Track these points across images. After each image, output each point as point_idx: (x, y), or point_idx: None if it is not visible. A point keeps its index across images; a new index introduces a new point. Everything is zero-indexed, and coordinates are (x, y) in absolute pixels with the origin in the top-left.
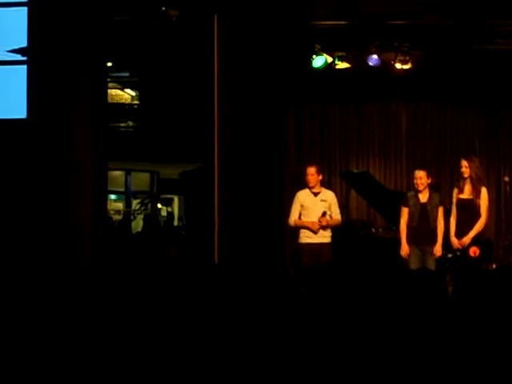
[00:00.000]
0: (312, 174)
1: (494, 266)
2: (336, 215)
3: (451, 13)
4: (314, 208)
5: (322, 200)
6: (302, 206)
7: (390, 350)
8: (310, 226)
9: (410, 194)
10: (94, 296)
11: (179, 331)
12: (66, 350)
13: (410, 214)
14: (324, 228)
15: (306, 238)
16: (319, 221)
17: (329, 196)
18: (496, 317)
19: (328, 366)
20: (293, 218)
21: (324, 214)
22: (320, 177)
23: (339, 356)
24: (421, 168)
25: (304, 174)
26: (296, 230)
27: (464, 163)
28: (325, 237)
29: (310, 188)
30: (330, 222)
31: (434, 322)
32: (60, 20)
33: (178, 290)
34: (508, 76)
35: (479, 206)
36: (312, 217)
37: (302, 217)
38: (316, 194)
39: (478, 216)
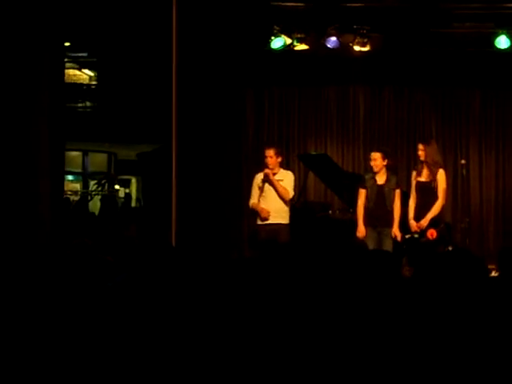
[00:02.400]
0: (271, 156)
1: (451, 248)
2: (288, 187)
3: None
4: (271, 190)
5: (278, 180)
6: (259, 188)
7: (345, 330)
8: (259, 211)
9: (368, 175)
10: (52, 275)
11: (137, 314)
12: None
13: (367, 196)
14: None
15: (260, 219)
16: (264, 176)
17: (285, 175)
18: (452, 299)
19: (284, 347)
20: (251, 201)
21: (266, 174)
22: (279, 159)
23: (295, 337)
24: (376, 150)
25: (263, 156)
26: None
27: (420, 147)
28: (282, 217)
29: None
30: (275, 182)
31: (387, 302)
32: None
33: (134, 269)
34: (464, 59)
35: (437, 189)
36: (269, 199)
37: (260, 199)
38: (273, 175)
39: (436, 199)
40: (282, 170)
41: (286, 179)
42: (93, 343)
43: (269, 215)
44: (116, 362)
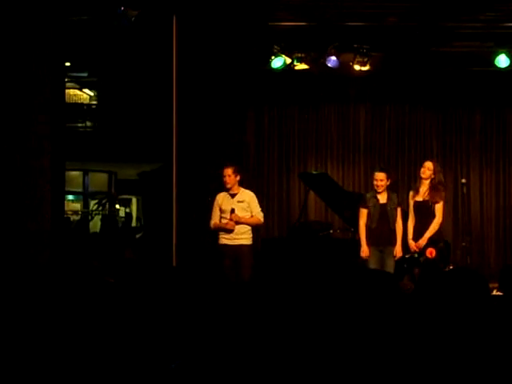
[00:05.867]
0: (229, 175)
1: (451, 267)
2: (256, 214)
3: (409, 15)
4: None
5: (238, 201)
6: (220, 208)
7: (342, 346)
8: (224, 226)
9: (369, 195)
10: (56, 297)
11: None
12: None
13: (370, 215)
14: (237, 224)
15: (223, 239)
16: (230, 218)
17: (246, 196)
18: (452, 318)
19: (281, 365)
20: (212, 221)
21: (232, 210)
22: (238, 177)
23: (295, 356)
24: (381, 170)
25: (221, 176)
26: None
27: (429, 165)
28: (243, 238)
29: (227, 190)
30: (244, 220)
31: (388, 321)
32: (18, 19)
33: (135, 291)
34: (465, 78)
35: (434, 208)
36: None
37: (221, 220)
38: (233, 196)
39: (434, 217)
40: (242, 190)
41: (251, 203)
42: (92, 362)
43: (234, 226)
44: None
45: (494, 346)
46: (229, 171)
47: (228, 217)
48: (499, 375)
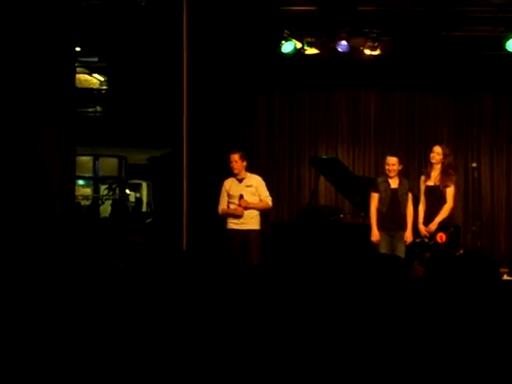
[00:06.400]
0: (236, 161)
1: (462, 251)
2: (264, 198)
3: None
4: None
5: (247, 186)
6: (228, 194)
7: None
8: (233, 212)
9: (381, 179)
10: (67, 282)
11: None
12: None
13: (381, 200)
14: (246, 209)
15: (231, 224)
16: (239, 204)
17: (254, 181)
18: (462, 302)
19: (291, 352)
20: (220, 207)
21: (241, 196)
22: (244, 163)
23: (302, 340)
24: (393, 154)
25: (228, 162)
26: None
27: (438, 150)
28: (251, 223)
29: (234, 175)
30: (252, 205)
31: (399, 305)
32: (28, 4)
33: (145, 276)
34: (475, 62)
35: (445, 192)
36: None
37: (229, 205)
38: (241, 181)
39: (445, 202)
40: (249, 175)
41: (259, 187)
42: (100, 350)
43: (243, 212)
44: (123, 367)
45: (504, 330)
46: (235, 157)
47: (236, 202)
48: (511, 359)
